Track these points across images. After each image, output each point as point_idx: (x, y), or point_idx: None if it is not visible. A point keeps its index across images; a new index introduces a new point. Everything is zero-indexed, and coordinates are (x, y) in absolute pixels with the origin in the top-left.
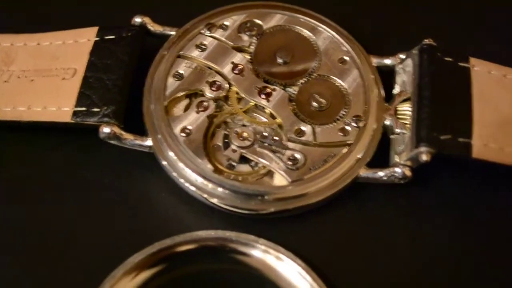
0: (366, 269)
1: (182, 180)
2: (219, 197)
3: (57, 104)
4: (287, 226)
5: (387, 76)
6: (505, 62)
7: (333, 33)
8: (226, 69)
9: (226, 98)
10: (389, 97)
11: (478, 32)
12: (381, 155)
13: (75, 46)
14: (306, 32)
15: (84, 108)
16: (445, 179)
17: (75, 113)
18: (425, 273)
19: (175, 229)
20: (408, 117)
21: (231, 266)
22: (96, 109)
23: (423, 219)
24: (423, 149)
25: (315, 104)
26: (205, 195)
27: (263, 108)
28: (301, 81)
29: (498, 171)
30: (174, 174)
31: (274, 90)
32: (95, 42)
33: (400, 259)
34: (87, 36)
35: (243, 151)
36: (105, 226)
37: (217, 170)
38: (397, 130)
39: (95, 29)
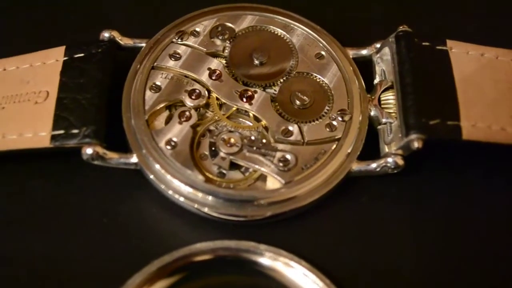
0: (367, 262)
1: (171, 192)
2: (213, 207)
3: (33, 129)
4: (284, 229)
5: (365, 67)
6: (481, 41)
7: (306, 29)
8: (204, 76)
9: (207, 106)
10: (370, 88)
11: (451, 14)
12: (370, 148)
13: (43, 68)
14: (279, 31)
15: (62, 131)
16: (435, 165)
17: (54, 137)
18: (426, 261)
19: (171, 245)
20: (392, 106)
21: (235, 277)
22: (75, 131)
23: (419, 207)
24: (414, 136)
25: (298, 102)
26: (196, 205)
27: (246, 112)
28: (281, 80)
29: (487, 152)
30: (163, 186)
31: (255, 92)
32: (64, 61)
33: (400, 248)
34: (55, 57)
35: (233, 157)
36: (98, 250)
37: (208, 180)
38: (384, 120)
39: (62, 49)
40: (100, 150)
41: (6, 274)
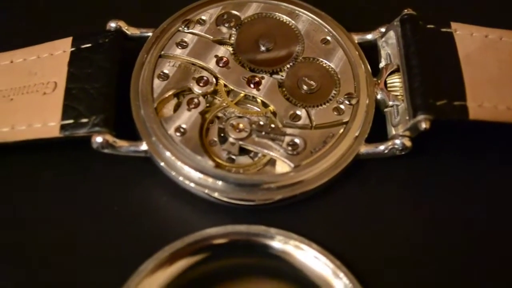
0: (376, 244)
1: (181, 178)
2: (223, 192)
3: (42, 120)
4: (294, 212)
5: (370, 51)
6: (485, 23)
7: (311, 15)
8: (211, 64)
9: (215, 92)
10: (376, 72)
11: None
12: (377, 130)
13: (51, 59)
14: (284, 17)
15: (71, 121)
16: (443, 146)
17: (63, 127)
18: (435, 242)
19: (182, 231)
20: (399, 89)
21: (246, 261)
22: (84, 120)
23: (427, 188)
24: (421, 117)
25: (305, 87)
26: (207, 191)
27: (254, 97)
28: (288, 66)
29: (494, 133)
30: (173, 173)
31: (262, 78)
32: (72, 52)
33: (409, 230)
34: (62, 48)
35: (242, 142)
36: (110, 237)
37: (218, 165)
38: (390, 103)
39: (69, 40)
40: (110, 138)
41: (20, 262)
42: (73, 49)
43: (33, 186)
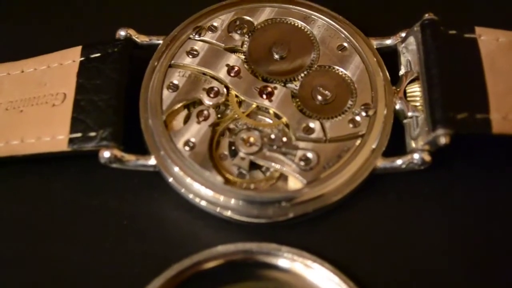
0: (395, 262)
1: (191, 196)
2: (233, 209)
3: (51, 133)
4: (308, 229)
5: (390, 57)
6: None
7: (328, 19)
8: (222, 73)
9: (226, 104)
10: (395, 80)
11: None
12: (396, 142)
13: (60, 69)
14: (299, 23)
15: (79, 134)
16: (465, 159)
17: (71, 140)
18: (458, 262)
19: (192, 248)
20: (419, 98)
21: (256, 282)
22: (92, 134)
23: (448, 205)
24: (440, 131)
25: (319, 97)
26: (218, 209)
27: (266, 108)
28: (302, 75)
29: None
30: (183, 190)
31: (275, 88)
32: (81, 62)
33: (430, 249)
34: (71, 57)
35: (252, 157)
36: (118, 252)
37: (227, 181)
38: (410, 114)
39: (78, 49)
40: (118, 153)
41: (27, 277)
42: (82, 58)
43: (43, 197)
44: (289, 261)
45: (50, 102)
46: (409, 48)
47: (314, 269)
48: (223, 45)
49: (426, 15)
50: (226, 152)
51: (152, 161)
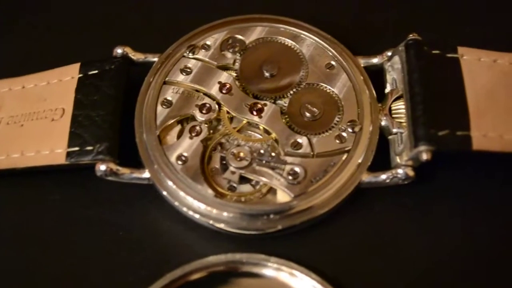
0: (381, 274)
1: (185, 209)
2: (224, 222)
3: (50, 146)
4: (296, 241)
5: (376, 75)
6: (494, 47)
7: (316, 38)
8: (214, 90)
9: (218, 119)
10: (381, 97)
11: (462, 20)
12: (381, 158)
13: (60, 85)
14: (289, 42)
15: (77, 148)
16: (448, 172)
17: (69, 154)
18: (441, 273)
19: (184, 258)
20: (403, 115)
21: None
22: (89, 148)
23: (432, 216)
24: (422, 148)
25: (307, 114)
26: (211, 221)
27: (257, 124)
28: (291, 92)
29: (500, 159)
30: (176, 203)
31: (265, 105)
32: (79, 78)
33: (414, 259)
34: (70, 74)
35: (242, 171)
36: (112, 262)
37: (218, 194)
38: (394, 130)
39: (77, 66)
40: (113, 166)
41: (24, 286)
42: (80, 75)
43: (41, 208)
44: (276, 271)
45: (49, 117)
46: (394, 67)
47: (300, 278)
48: (216, 63)
49: (411, 35)
50: (218, 166)
51: (146, 174)
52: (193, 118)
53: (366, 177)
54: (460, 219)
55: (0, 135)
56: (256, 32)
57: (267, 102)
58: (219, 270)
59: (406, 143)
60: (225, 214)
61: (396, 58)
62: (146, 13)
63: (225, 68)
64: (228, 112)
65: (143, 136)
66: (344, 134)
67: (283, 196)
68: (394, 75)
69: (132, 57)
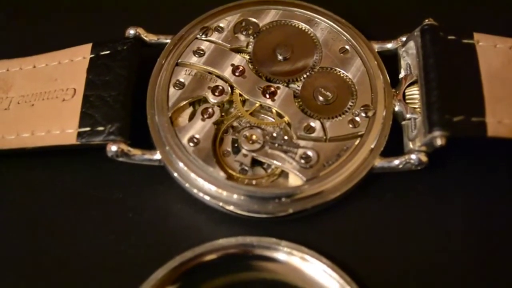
0: (391, 259)
1: (195, 191)
2: (235, 204)
3: (61, 126)
4: (307, 225)
5: (390, 60)
6: (509, 33)
7: (331, 22)
8: (227, 72)
9: (230, 102)
10: (395, 82)
11: (479, 5)
12: (394, 143)
13: (71, 65)
14: (303, 25)
15: (88, 128)
16: (462, 159)
17: (80, 134)
18: (452, 259)
19: (194, 240)
20: (417, 101)
21: (256, 275)
22: (100, 128)
23: (444, 203)
24: (437, 133)
25: (321, 98)
26: (221, 203)
27: (269, 107)
28: (304, 75)
29: None
30: (187, 185)
31: (278, 88)
32: (91, 59)
33: (425, 246)
34: (82, 54)
35: (254, 154)
36: (122, 244)
37: (230, 177)
38: (408, 116)
39: (89, 46)
40: (125, 147)
41: (35, 267)
42: (92, 55)
43: (51, 188)
44: (287, 254)
45: (60, 97)
46: (409, 52)
47: (311, 262)
48: (229, 45)
49: (426, 20)
50: (229, 149)
51: (157, 156)
52: (205, 100)
53: (379, 162)
54: (473, 205)
55: (10, 114)
56: (270, 15)
57: (280, 85)
58: (231, 253)
59: (420, 128)
60: (235, 196)
61: (411, 44)
62: None
63: (238, 50)
64: (240, 95)
65: (155, 118)
66: (357, 118)
67: (295, 180)
68: (408, 61)
69: (145, 38)
